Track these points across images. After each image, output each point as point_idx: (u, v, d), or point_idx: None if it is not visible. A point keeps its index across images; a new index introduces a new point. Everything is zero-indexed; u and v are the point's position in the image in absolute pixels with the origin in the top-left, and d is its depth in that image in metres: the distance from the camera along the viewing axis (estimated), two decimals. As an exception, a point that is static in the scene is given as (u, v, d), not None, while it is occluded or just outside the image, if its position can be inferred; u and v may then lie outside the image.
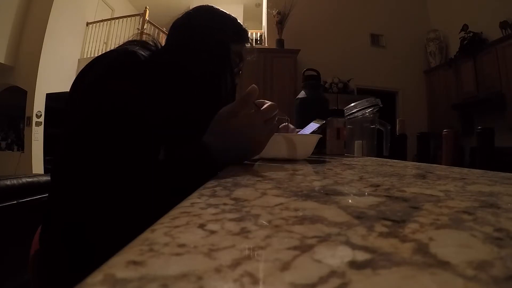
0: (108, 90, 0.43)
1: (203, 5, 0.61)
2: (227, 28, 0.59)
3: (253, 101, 0.46)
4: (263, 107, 0.46)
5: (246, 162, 0.49)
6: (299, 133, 0.74)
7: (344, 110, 0.95)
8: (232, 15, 0.62)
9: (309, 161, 0.57)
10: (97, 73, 0.45)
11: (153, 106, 0.46)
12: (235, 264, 0.09)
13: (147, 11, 4.50)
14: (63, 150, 0.43)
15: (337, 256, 0.09)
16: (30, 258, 0.49)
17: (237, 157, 0.45)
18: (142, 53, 0.48)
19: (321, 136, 0.63)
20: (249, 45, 0.64)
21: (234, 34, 0.60)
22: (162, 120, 0.48)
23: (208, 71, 0.55)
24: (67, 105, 0.44)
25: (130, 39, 0.57)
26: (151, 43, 0.57)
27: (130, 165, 0.39)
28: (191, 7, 0.62)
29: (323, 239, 0.11)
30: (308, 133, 0.72)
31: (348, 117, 1.06)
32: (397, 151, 1.50)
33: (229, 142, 0.43)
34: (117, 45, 0.53)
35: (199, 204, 0.17)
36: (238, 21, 0.62)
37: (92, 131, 0.40)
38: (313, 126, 0.75)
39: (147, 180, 0.39)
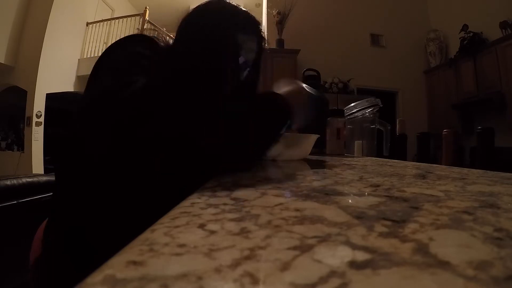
0: (112, 93, 0.42)
1: (213, 1, 0.59)
2: (239, 26, 0.57)
3: None
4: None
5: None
6: None
7: (344, 110, 0.95)
8: (244, 8, 0.59)
9: (309, 161, 0.56)
10: (100, 76, 0.45)
11: (163, 108, 0.46)
12: (235, 264, 0.09)
13: (147, 11, 4.50)
14: (68, 152, 0.43)
15: (337, 256, 0.09)
16: (30, 265, 0.48)
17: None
18: (149, 53, 0.48)
19: (318, 136, 0.63)
20: (263, 35, 0.62)
21: (246, 30, 0.58)
22: (172, 120, 0.48)
23: (219, 71, 0.54)
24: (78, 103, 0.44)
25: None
26: (159, 41, 0.56)
27: (133, 166, 0.39)
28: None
29: (323, 239, 0.11)
30: None
31: (348, 117, 1.05)
32: (397, 151, 1.50)
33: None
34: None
35: (199, 204, 0.17)
36: (249, 13, 0.60)
37: (90, 132, 0.40)
38: None
39: (143, 179, 0.39)
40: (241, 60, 0.57)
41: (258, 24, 0.60)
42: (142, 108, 0.43)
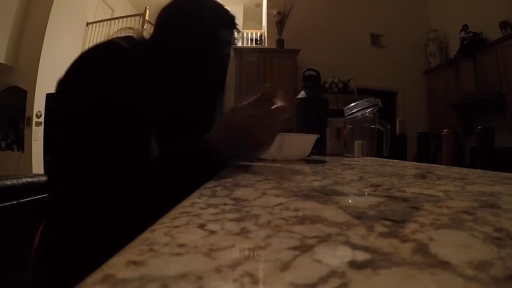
0: (94, 87, 0.43)
1: None
2: (216, 19, 0.58)
3: (268, 100, 0.43)
4: (273, 107, 0.43)
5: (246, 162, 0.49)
6: None
7: (344, 110, 0.95)
8: (219, 1, 0.60)
9: (309, 161, 0.56)
10: (81, 69, 0.45)
11: (142, 101, 0.46)
12: (235, 264, 0.09)
13: (147, 11, 4.50)
14: (57, 150, 0.43)
15: (337, 256, 0.09)
16: (30, 260, 0.49)
17: (238, 155, 0.43)
18: (127, 46, 0.48)
19: (318, 136, 0.63)
20: (237, 29, 0.62)
21: (222, 23, 0.59)
22: (153, 115, 0.48)
23: (196, 66, 0.54)
24: (55, 104, 0.44)
25: (116, 34, 0.56)
26: (136, 37, 0.56)
27: (123, 163, 0.39)
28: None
29: (323, 239, 0.11)
30: None
31: (348, 117, 1.06)
32: (397, 151, 1.50)
33: (228, 137, 0.41)
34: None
35: (199, 204, 0.17)
36: (225, 7, 0.61)
37: (83, 130, 0.40)
38: None
39: (142, 179, 0.39)
40: (214, 58, 0.57)
41: (234, 17, 0.61)
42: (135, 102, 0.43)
